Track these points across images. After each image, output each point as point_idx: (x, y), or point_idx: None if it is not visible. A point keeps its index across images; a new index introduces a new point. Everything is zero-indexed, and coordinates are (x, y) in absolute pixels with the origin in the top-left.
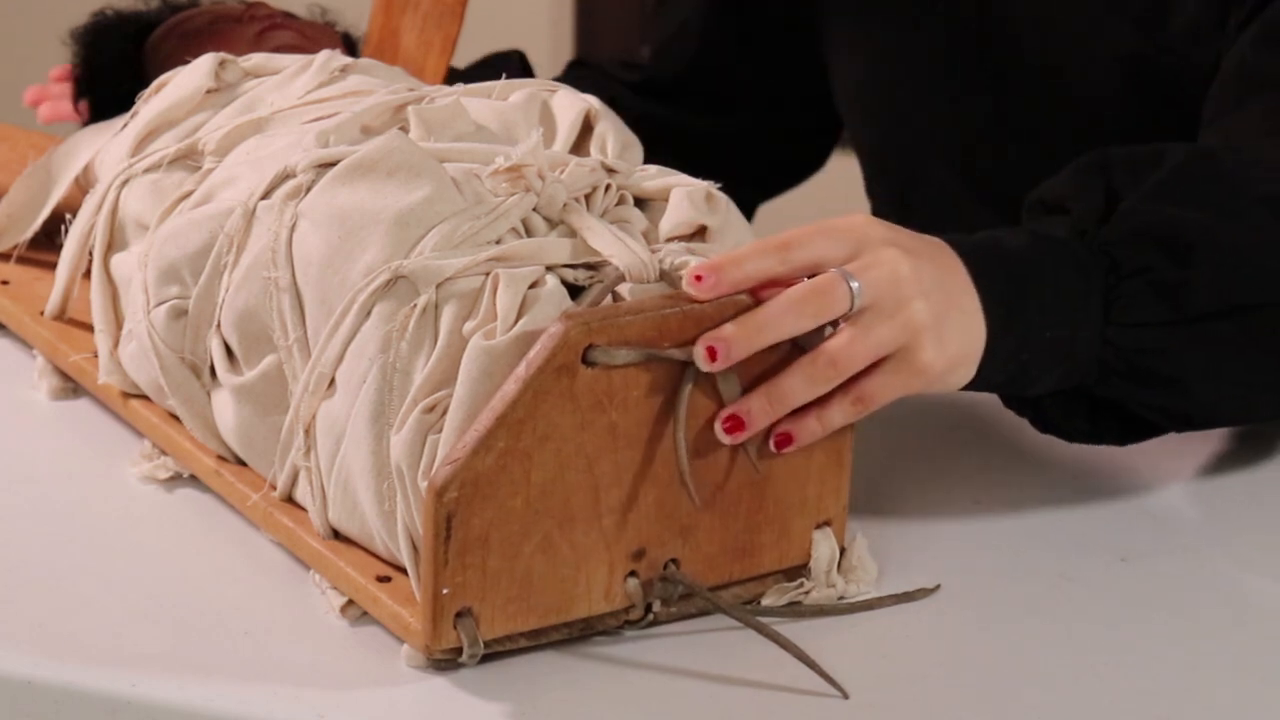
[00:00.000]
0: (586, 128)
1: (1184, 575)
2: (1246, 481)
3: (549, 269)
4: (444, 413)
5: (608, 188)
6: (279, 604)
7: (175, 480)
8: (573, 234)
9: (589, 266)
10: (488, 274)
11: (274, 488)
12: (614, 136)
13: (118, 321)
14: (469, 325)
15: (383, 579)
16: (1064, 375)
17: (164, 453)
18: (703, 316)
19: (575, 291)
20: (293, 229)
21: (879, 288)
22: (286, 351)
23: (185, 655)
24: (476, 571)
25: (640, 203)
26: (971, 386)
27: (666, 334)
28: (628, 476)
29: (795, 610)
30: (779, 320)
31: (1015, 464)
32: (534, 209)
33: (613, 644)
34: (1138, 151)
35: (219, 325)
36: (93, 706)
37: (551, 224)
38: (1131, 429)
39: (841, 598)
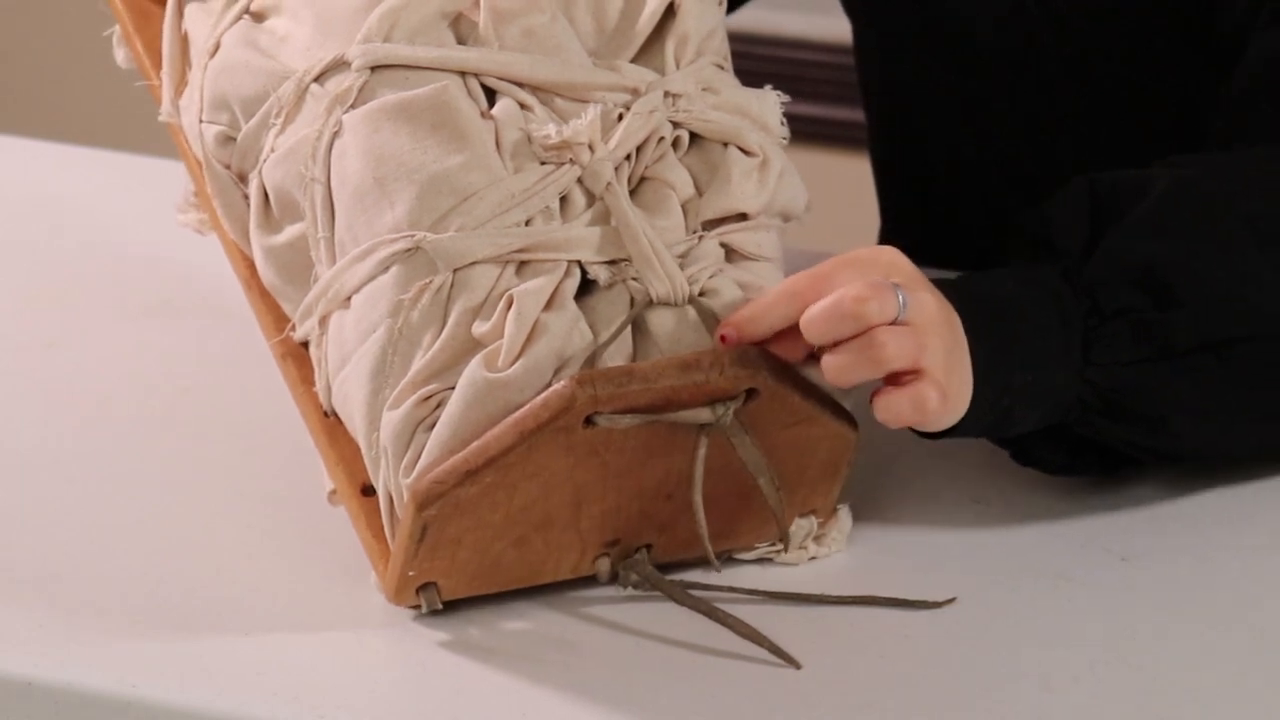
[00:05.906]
0: (669, 11)
1: (1184, 575)
2: (1247, 481)
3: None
4: (437, 406)
5: (660, 139)
6: (279, 604)
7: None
8: (608, 217)
9: (614, 261)
10: (507, 263)
11: (295, 328)
12: (695, 32)
13: (183, 69)
14: (478, 327)
15: (367, 491)
16: (1044, 416)
17: (200, 209)
18: (714, 390)
19: (593, 283)
20: (335, 135)
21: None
22: (314, 241)
23: (185, 655)
24: (445, 561)
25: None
26: (955, 433)
27: (675, 402)
28: (614, 495)
29: (758, 595)
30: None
31: (1015, 463)
32: (578, 179)
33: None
34: (1125, 178)
35: (261, 170)
36: (93, 707)
37: (591, 198)
38: (1111, 462)
39: (813, 558)
